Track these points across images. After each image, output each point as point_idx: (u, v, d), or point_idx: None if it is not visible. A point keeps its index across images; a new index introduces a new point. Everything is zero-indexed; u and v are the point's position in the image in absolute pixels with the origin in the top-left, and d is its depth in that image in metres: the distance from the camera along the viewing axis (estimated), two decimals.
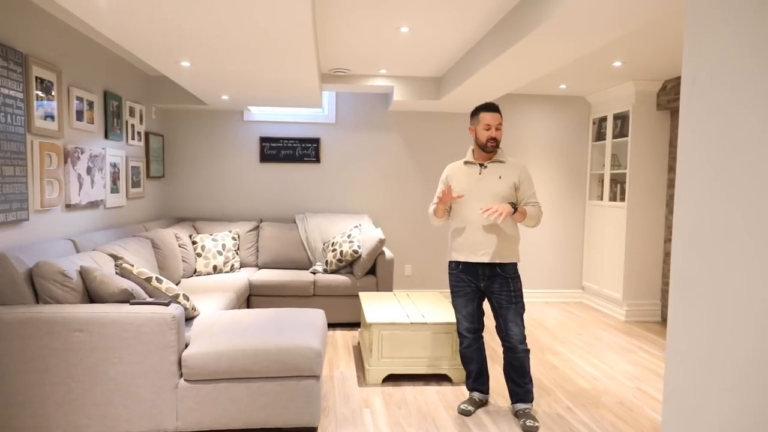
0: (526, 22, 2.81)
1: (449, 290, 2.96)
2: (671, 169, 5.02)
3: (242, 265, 4.89)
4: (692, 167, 1.80)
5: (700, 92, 1.85)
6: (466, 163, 2.88)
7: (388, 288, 4.55)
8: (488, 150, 2.77)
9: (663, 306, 5.10)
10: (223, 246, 4.65)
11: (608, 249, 5.36)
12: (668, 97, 4.83)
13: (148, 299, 2.57)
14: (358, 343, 4.11)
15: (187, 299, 2.79)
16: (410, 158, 5.57)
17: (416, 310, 3.53)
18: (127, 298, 2.53)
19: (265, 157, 5.37)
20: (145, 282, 2.70)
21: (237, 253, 4.77)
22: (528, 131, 5.73)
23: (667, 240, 5.06)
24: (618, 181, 5.36)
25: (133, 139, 4.41)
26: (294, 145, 5.39)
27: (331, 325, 4.63)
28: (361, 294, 4.01)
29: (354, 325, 4.64)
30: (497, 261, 2.73)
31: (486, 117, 2.75)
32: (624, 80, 4.90)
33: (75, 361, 2.41)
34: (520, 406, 2.80)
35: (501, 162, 2.79)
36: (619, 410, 3.00)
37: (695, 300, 1.93)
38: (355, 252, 4.53)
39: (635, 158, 5.03)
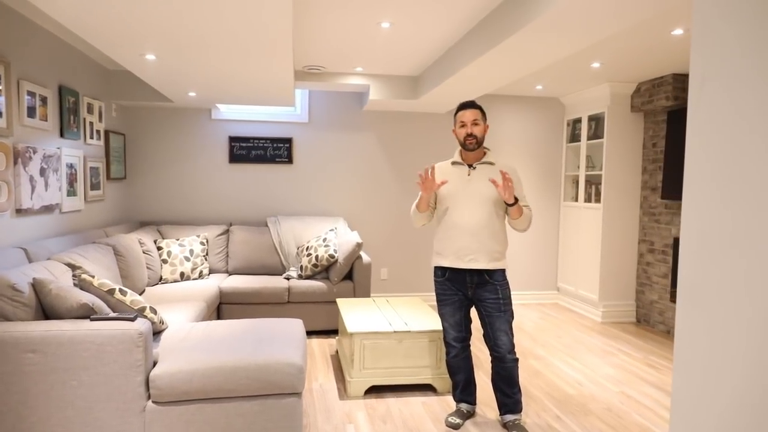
0: (517, 17, 2.71)
1: (435, 297, 2.83)
2: (645, 170, 5.06)
3: (211, 272, 4.65)
4: (702, 171, 1.71)
5: (709, 92, 1.77)
6: (453, 163, 2.75)
7: (366, 293, 4.40)
8: (468, 148, 2.66)
9: (638, 307, 5.13)
10: (191, 251, 4.40)
11: (584, 250, 5.36)
12: (642, 99, 4.86)
13: (111, 314, 2.34)
14: (336, 352, 3.95)
15: (155, 312, 2.57)
16: (386, 159, 5.43)
17: (398, 318, 3.39)
18: (87, 313, 2.30)
19: (234, 158, 5.13)
20: (107, 294, 2.46)
21: (206, 259, 4.53)
22: (503, 132, 5.68)
23: (641, 241, 5.09)
24: (592, 183, 5.37)
25: (91, 138, 4.11)
26: (265, 145, 5.17)
27: (307, 333, 4.44)
28: (339, 301, 3.85)
29: (330, 332, 4.47)
30: (486, 267, 2.61)
31: (460, 115, 2.67)
32: (600, 82, 4.90)
33: (28, 386, 2.16)
34: (509, 417, 2.71)
35: (491, 164, 2.68)
36: (608, 417, 2.94)
37: (704, 310, 1.85)
38: (332, 256, 4.36)
39: (611, 160, 5.04)
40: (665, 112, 4.75)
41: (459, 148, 2.76)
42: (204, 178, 5.13)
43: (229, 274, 4.64)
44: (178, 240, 4.44)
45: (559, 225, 5.85)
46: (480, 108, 2.68)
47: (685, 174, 1.79)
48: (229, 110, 5.11)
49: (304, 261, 4.44)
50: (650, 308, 4.95)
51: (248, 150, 5.15)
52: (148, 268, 4.03)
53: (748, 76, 1.21)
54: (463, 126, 2.66)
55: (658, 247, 4.87)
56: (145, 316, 2.48)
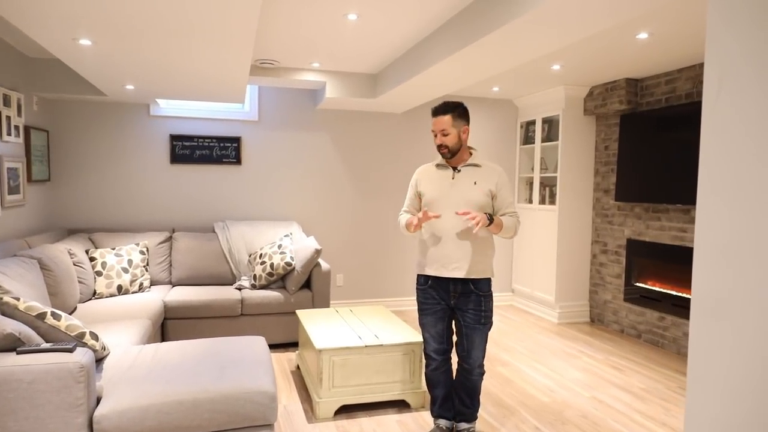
0: (504, 10, 2.57)
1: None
2: (597, 172, 5.14)
3: (153, 283, 4.22)
4: (723, 176, 1.62)
5: (728, 93, 1.68)
6: (438, 165, 2.58)
7: (325, 303, 4.15)
8: (445, 157, 2.51)
9: (591, 307, 5.21)
10: (129, 262, 3.96)
11: (539, 252, 5.38)
12: (595, 102, 4.93)
13: (44, 344, 1.97)
14: (297, 367, 3.68)
15: (96, 338, 2.21)
16: (341, 160, 5.20)
17: (367, 330, 3.18)
18: (12, 344, 1.92)
19: (176, 158, 4.71)
20: (36, 320, 2.08)
21: (146, 270, 4.10)
22: None
23: (594, 242, 5.17)
24: (546, 185, 5.41)
25: (9, 134, 3.60)
26: (211, 144, 4.79)
27: None
28: (299, 312, 3.58)
29: (289, 345, 4.18)
30: (471, 277, 2.46)
31: (432, 122, 2.50)
32: (555, 85, 4.93)
33: None
34: (464, 426, 2.64)
35: (476, 166, 2.52)
36: (585, 425, 2.88)
37: (724, 325, 1.75)
38: (288, 264, 4.07)
39: (565, 162, 5.08)
40: (618, 115, 4.84)
41: None
42: (142, 180, 4.67)
43: (173, 286, 4.23)
44: (113, 249, 3.98)
45: None
46: (453, 112, 2.46)
47: (700, 180, 1.70)
48: (169, 106, 4.68)
49: (258, 270, 4.12)
50: (604, 308, 5.04)
51: (192, 150, 4.74)
52: (80, 282, 3.57)
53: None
54: (435, 135, 2.51)
55: (611, 248, 4.96)
56: (86, 344, 2.12)
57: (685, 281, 4.15)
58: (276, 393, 2.14)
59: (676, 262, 4.20)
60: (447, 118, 2.45)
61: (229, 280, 4.35)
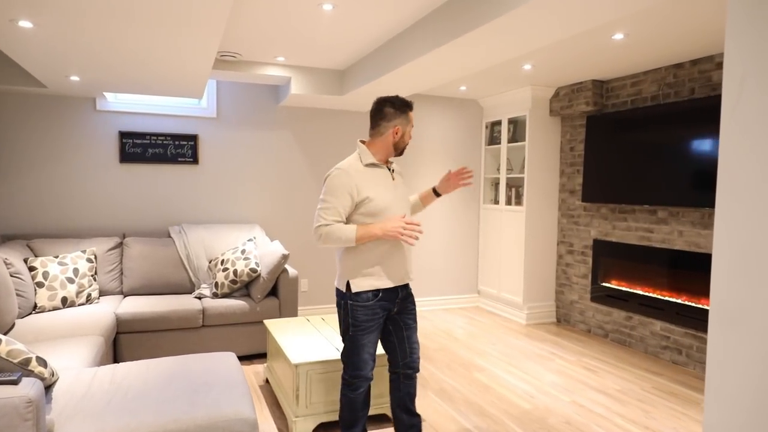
0: (485, 9, 2.46)
1: (350, 324, 2.25)
2: (563, 173, 5.17)
3: (102, 294, 3.86)
4: (744, 180, 1.55)
5: (751, 93, 1.61)
6: (368, 165, 2.25)
7: (293, 311, 3.93)
8: (401, 154, 2.36)
9: (557, 307, 5.23)
10: (75, 271, 3.60)
11: (506, 253, 5.36)
12: (561, 103, 4.95)
13: None
14: (266, 381, 3.44)
15: (45, 365, 1.92)
16: (304, 160, 4.97)
17: None
18: None
19: (126, 157, 4.34)
20: None
21: (94, 279, 3.74)
22: (422, 133, 5.50)
23: (560, 242, 5.20)
24: (511, 185, 5.39)
25: None
26: (165, 142, 4.45)
27: None
28: (268, 323, 3.36)
29: (255, 357, 3.93)
30: (412, 276, 2.36)
31: (412, 116, 2.32)
32: (522, 85, 4.91)
33: None
34: None
35: (391, 162, 2.39)
36: None
37: (742, 333, 1.69)
38: (254, 271, 3.82)
39: (532, 162, 5.08)
40: (584, 116, 4.88)
41: (363, 146, 2.30)
42: (88, 180, 4.28)
43: (125, 296, 3.89)
44: (57, 257, 3.60)
45: (479, 228, 5.82)
46: None
47: (719, 184, 1.63)
48: (118, 100, 4.31)
49: (220, 277, 3.85)
50: (570, 308, 5.08)
51: (144, 148, 4.39)
52: (18, 295, 3.19)
53: None
54: (412, 128, 2.33)
55: (577, 248, 4.99)
56: (32, 372, 1.84)
57: (652, 281, 4.21)
58: (256, 419, 1.93)
59: (643, 261, 4.26)
60: None
61: (187, 289, 4.04)
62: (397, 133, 2.27)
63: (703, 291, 3.81)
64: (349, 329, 2.25)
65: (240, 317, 3.73)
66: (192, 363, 2.34)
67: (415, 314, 2.39)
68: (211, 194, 4.64)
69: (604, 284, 4.68)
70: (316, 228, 2.18)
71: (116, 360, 3.43)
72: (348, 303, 2.24)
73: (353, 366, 2.27)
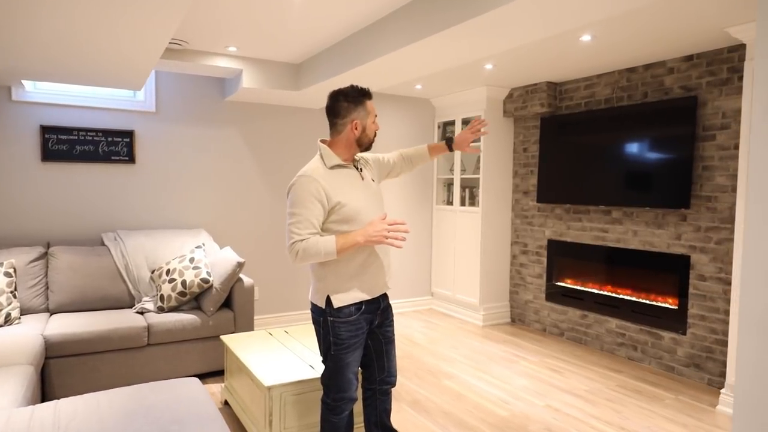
0: (467, 3, 2.33)
1: (332, 343, 2.03)
2: (516, 174, 5.20)
3: (24, 313, 3.35)
4: None
5: None
6: (333, 167, 2.03)
7: (249, 324, 3.62)
8: (369, 148, 2.14)
9: (512, 307, 5.26)
10: None
11: (461, 254, 5.32)
12: (515, 104, 4.97)
13: None
14: (225, 403, 3.12)
15: None
16: (253, 159, 4.64)
17: (315, 356, 2.77)
18: None
19: (50, 155, 3.82)
20: None
21: (14, 296, 3.23)
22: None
23: (514, 243, 5.23)
24: (465, 186, 5.36)
25: None
26: (96, 138, 3.96)
27: None
28: (226, 339, 3.05)
29: (209, 375, 3.58)
30: (390, 284, 2.20)
31: (371, 105, 2.08)
32: (477, 85, 4.87)
33: None
34: None
35: (356, 159, 2.18)
36: None
37: None
38: (205, 281, 3.48)
39: (487, 164, 5.06)
40: (537, 118, 4.92)
41: (324, 146, 2.08)
42: (3, 182, 3.71)
43: (52, 314, 3.40)
44: None
45: (432, 229, 5.75)
46: None
47: (749, 189, 1.58)
48: (38, 90, 3.78)
49: (166, 289, 3.46)
50: (525, 308, 5.12)
51: (71, 144, 3.88)
52: None
53: None
54: (374, 120, 2.09)
55: (531, 248, 5.04)
56: None
57: (607, 279, 4.31)
58: None
59: (598, 261, 4.35)
60: None
61: (126, 303, 3.61)
62: (356, 128, 2.03)
63: (657, 288, 3.94)
64: (330, 348, 2.04)
65: (191, 333, 3.38)
66: (151, 394, 2.03)
67: (393, 326, 2.22)
68: (150, 197, 4.20)
69: (559, 283, 4.74)
70: (291, 245, 1.92)
71: (44, 392, 2.97)
72: (329, 320, 2.02)
73: (336, 388, 2.05)
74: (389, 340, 2.18)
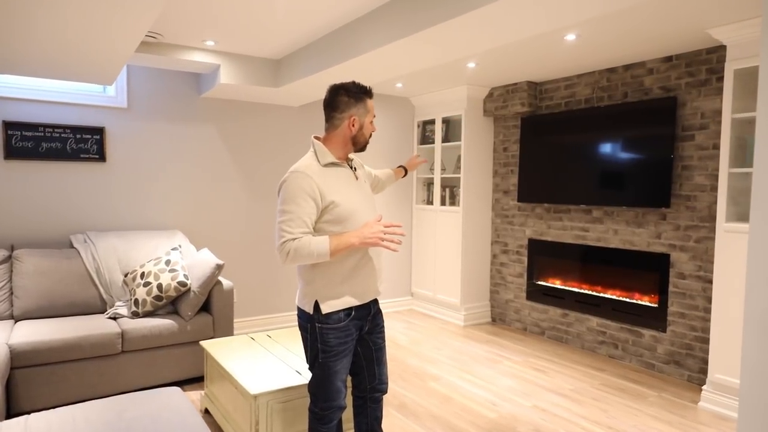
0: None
1: (320, 350, 1.94)
2: (496, 173, 5.20)
3: None
4: None
5: None
6: (327, 165, 1.95)
7: (229, 328, 3.49)
8: (363, 149, 2.10)
9: (492, 306, 5.26)
10: None
11: (442, 254, 5.29)
12: (496, 104, 4.96)
13: None
14: (206, 411, 3.00)
15: None
16: (229, 158, 4.50)
17: (300, 361, 2.67)
18: None
19: (13, 152, 3.61)
20: None
21: None
22: None
23: (495, 242, 5.23)
24: (446, 186, 5.33)
25: None
26: (64, 135, 3.76)
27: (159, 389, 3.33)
28: (206, 344, 2.92)
29: (186, 383, 3.43)
30: (381, 289, 2.12)
31: (372, 105, 2.03)
32: (458, 84, 4.85)
33: None
34: None
35: (350, 159, 2.11)
36: None
37: None
38: (183, 284, 3.34)
39: (468, 163, 5.04)
40: (518, 117, 4.93)
41: (318, 143, 1.99)
42: None
43: (17, 321, 3.21)
44: None
45: (412, 229, 5.70)
46: None
47: (753, 191, 1.56)
48: (2, 84, 3.56)
49: (141, 293, 3.31)
50: (506, 307, 5.12)
51: (36, 141, 3.67)
52: None
53: None
54: (372, 120, 2.03)
55: (512, 247, 5.04)
56: None
57: (588, 278, 4.34)
58: None
59: (579, 260, 4.38)
60: None
61: (98, 308, 3.44)
62: (353, 125, 1.95)
63: (637, 287, 3.98)
64: (318, 356, 1.94)
65: (168, 338, 3.23)
66: (131, 406, 1.91)
67: (384, 332, 2.14)
68: (122, 197, 4.02)
69: (539, 282, 4.76)
70: (281, 245, 1.81)
71: (9, 406, 2.78)
72: (317, 326, 1.92)
73: (325, 397, 1.97)
74: (379, 347, 2.11)
